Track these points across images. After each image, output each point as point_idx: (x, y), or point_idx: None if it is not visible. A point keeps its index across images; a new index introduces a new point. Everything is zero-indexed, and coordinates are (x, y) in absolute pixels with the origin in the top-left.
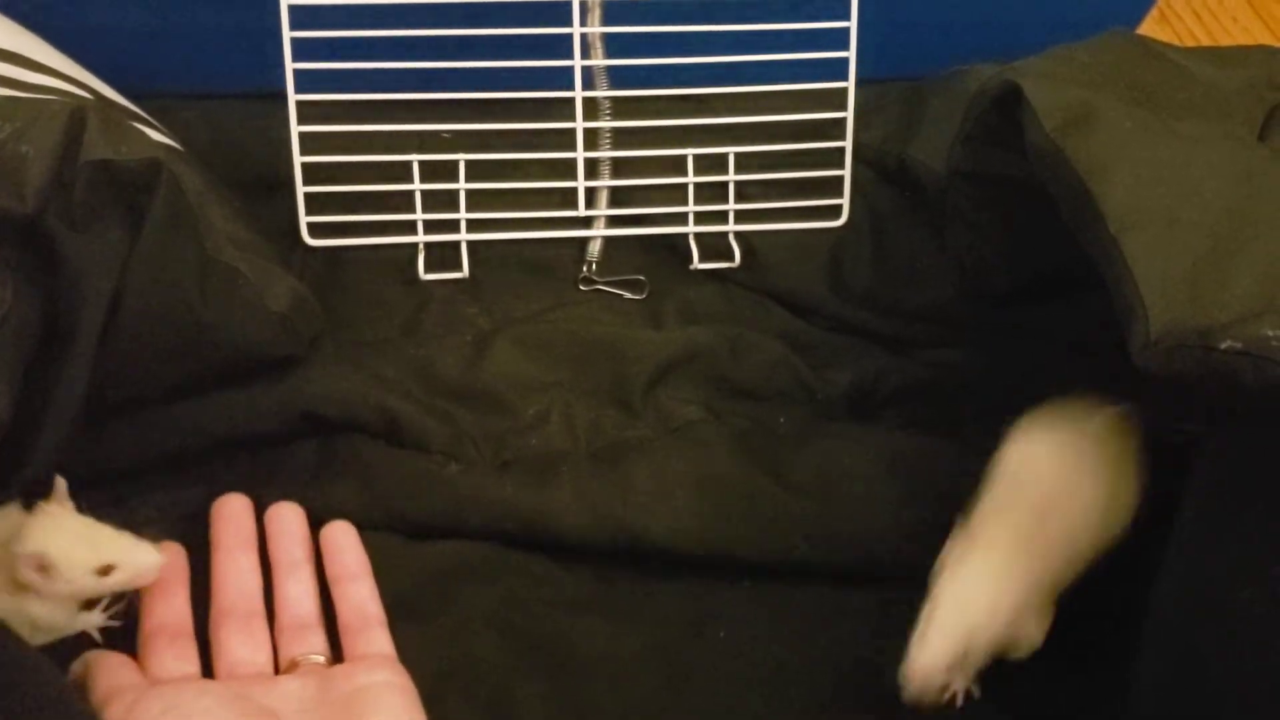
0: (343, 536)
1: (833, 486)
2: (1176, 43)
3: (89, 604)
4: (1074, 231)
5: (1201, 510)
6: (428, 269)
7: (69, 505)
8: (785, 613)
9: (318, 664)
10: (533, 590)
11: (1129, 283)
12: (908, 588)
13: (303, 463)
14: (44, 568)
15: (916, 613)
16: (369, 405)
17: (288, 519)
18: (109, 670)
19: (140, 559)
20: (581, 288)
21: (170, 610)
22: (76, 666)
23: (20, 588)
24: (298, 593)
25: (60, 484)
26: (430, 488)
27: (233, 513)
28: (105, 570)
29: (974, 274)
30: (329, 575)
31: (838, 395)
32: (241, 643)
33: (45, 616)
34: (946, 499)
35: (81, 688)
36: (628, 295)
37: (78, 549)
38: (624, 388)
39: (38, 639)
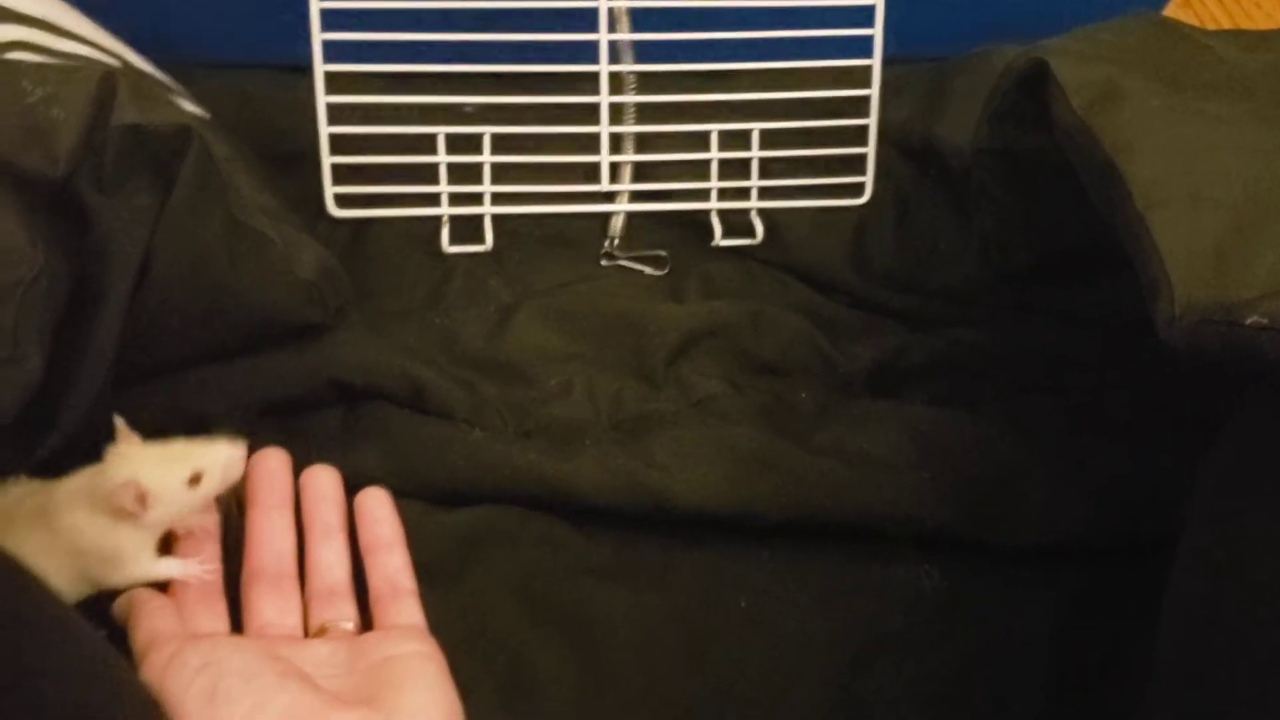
0: (377, 505)
1: (854, 455)
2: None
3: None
4: (1099, 208)
5: (1222, 487)
6: (451, 241)
7: (135, 438)
8: (806, 583)
9: (347, 631)
10: (554, 557)
11: (1154, 259)
12: (928, 561)
13: (328, 429)
14: (141, 496)
15: (935, 587)
16: (394, 373)
17: (324, 482)
18: (151, 614)
19: (222, 455)
20: (603, 263)
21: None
22: (120, 603)
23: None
24: (330, 559)
25: (119, 421)
26: (454, 453)
27: (271, 470)
28: (196, 479)
29: (997, 252)
30: (362, 544)
31: (859, 370)
32: (272, 604)
33: (135, 552)
34: (967, 473)
35: (121, 628)
36: (649, 271)
37: (166, 467)
38: (645, 361)
39: (130, 576)
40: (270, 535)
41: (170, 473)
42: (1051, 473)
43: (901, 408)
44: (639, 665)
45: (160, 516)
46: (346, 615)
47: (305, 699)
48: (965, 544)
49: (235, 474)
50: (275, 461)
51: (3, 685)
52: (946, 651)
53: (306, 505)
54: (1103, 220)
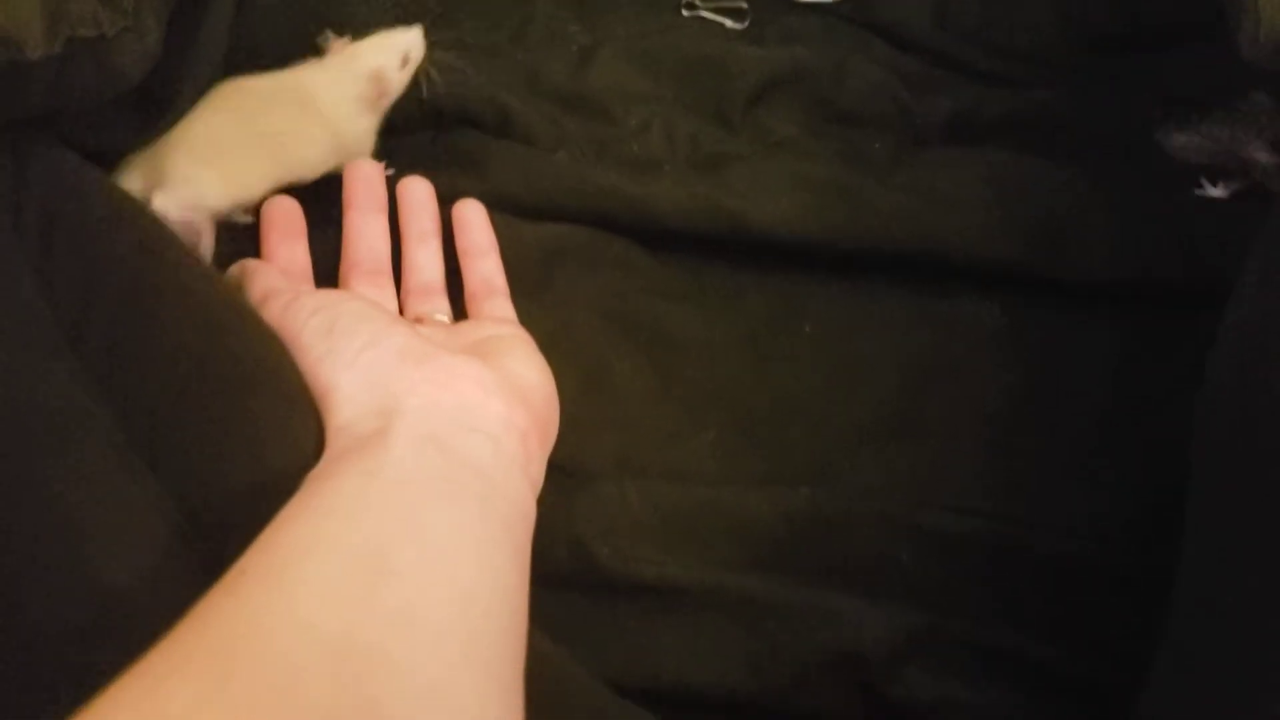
0: (473, 213)
1: (927, 191)
2: None
3: None
4: None
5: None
6: None
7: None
8: (870, 314)
9: (443, 322)
10: (631, 279)
11: None
12: (992, 297)
13: (418, 149)
14: (381, 80)
15: (997, 322)
16: (482, 99)
17: (419, 191)
18: (264, 275)
19: (414, 34)
20: (684, 13)
21: (294, 256)
22: (233, 270)
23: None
24: (425, 260)
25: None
26: (538, 172)
27: (367, 176)
28: (405, 60)
29: (1079, 15)
30: (459, 249)
31: (936, 122)
32: (370, 292)
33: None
34: (1036, 211)
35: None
36: (729, 23)
37: (384, 49)
38: (724, 103)
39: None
40: (367, 234)
41: (388, 54)
42: (1121, 216)
43: (976, 152)
44: (707, 376)
45: (384, 104)
46: (441, 309)
47: (418, 340)
48: (1029, 282)
49: (420, 57)
50: (370, 169)
51: (138, 308)
52: (1004, 380)
53: (402, 213)
54: None
